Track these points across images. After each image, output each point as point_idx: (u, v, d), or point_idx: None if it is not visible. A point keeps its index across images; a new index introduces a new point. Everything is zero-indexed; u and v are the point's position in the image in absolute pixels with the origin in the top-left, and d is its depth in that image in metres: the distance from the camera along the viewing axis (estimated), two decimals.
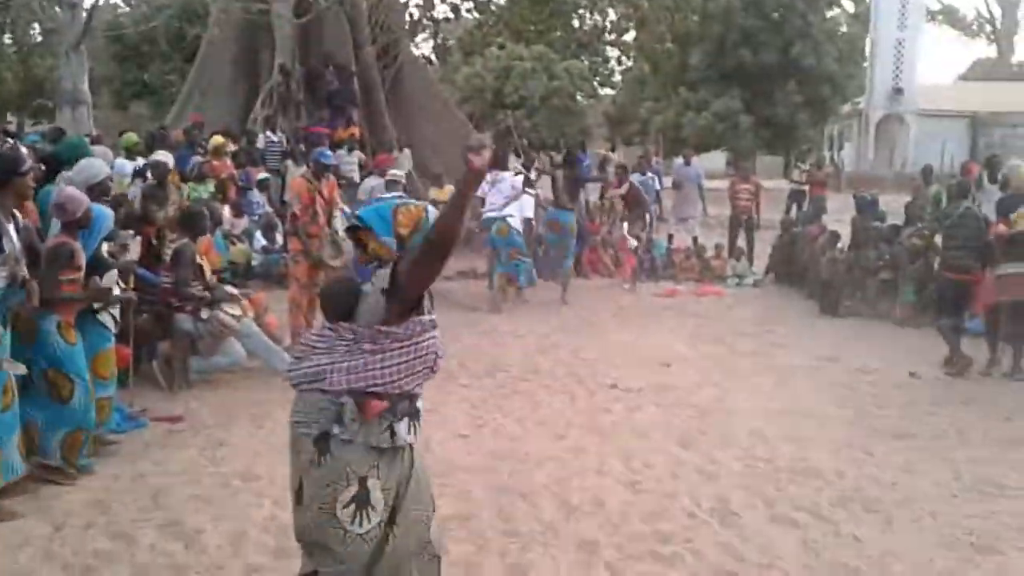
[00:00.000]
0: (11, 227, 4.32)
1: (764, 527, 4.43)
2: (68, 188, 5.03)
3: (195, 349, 6.77)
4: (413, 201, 3.03)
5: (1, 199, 4.26)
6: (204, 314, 6.59)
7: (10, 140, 9.70)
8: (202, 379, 6.79)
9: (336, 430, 2.79)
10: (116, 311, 5.32)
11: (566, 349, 8.34)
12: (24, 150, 6.19)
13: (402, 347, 2.82)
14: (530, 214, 10.88)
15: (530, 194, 10.75)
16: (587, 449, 5.53)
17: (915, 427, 6.16)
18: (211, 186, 10.14)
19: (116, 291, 5.26)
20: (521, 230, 10.29)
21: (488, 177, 11.15)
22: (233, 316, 6.71)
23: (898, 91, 33.57)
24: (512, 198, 10.34)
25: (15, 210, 4.53)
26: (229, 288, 7.12)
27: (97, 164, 5.81)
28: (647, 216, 12.48)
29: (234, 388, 6.76)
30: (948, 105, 35.27)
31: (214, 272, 7.23)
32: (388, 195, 7.49)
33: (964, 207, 7.88)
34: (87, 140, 9.52)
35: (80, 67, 15.16)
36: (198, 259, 6.64)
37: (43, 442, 4.78)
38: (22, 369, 4.44)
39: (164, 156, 9.05)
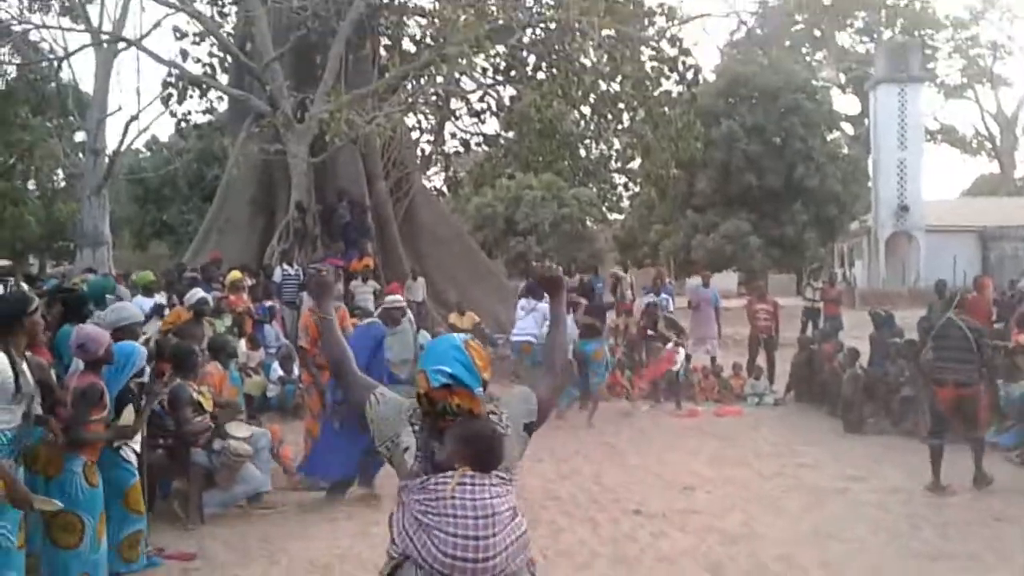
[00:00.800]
0: (24, 366, 4.34)
1: None
2: (88, 327, 5.08)
3: (212, 482, 6.66)
4: (462, 337, 2.77)
5: (14, 339, 4.28)
6: (216, 446, 6.51)
7: (25, 285, 9.88)
8: (219, 514, 6.65)
9: None
10: (137, 446, 5.26)
11: (586, 474, 8.17)
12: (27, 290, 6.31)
13: None
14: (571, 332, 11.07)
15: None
16: None
17: (951, 548, 5.93)
18: (228, 320, 10.22)
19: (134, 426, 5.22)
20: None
21: (526, 304, 11.54)
22: (243, 439, 6.64)
23: (904, 209, 34.00)
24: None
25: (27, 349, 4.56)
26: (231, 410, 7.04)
27: (130, 309, 5.89)
28: (685, 341, 12.59)
29: (249, 523, 6.60)
30: (955, 220, 35.65)
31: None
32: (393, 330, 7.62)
33: (946, 318, 7.67)
34: (113, 280, 9.69)
35: (101, 210, 15.65)
36: (195, 396, 6.56)
37: None
38: (57, 505, 4.35)
39: (202, 293, 9.22)
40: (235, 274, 11.67)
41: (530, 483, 7.68)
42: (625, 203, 37.37)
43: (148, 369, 6.73)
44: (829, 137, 33.04)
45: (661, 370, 12.08)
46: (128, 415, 5.14)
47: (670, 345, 12.30)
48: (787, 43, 48.52)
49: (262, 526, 6.51)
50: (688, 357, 13.42)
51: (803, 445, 9.52)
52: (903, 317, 12.87)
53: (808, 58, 48.80)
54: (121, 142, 15.81)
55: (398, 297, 8.39)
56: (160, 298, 10.89)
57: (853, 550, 5.89)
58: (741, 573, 5.46)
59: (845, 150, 35.53)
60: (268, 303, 12.07)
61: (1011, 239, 34.35)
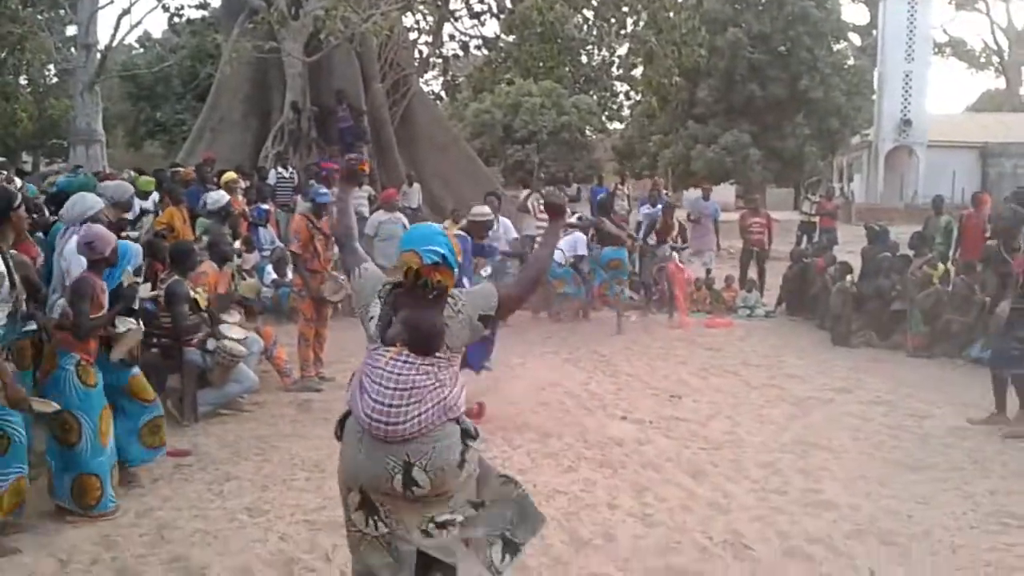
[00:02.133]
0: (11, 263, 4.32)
1: (778, 560, 4.36)
2: (96, 227, 5.01)
3: (206, 381, 6.76)
4: (440, 225, 3.42)
5: (2, 235, 4.26)
6: (210, 345, 6.58)
7: (18, 180, 9.81)
8: (214, 411, 6.77)
9: (473, 443, 3.12)
10: (130, 347, 5.29)
11: (576, 381, 8.28)
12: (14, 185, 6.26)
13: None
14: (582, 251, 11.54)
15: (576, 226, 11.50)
16: (597, 482, 5.47)
17: (932, 458, 6.06)
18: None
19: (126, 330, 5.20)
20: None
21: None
22: (238, 341, 6.71)
23: (907, 123, 33.58)
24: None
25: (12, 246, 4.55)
26: (226, 319, 7.09)
27: (89, 198, 5.82)
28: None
29: (242, 422, 6.73)
30: (957, 136, 35.25)
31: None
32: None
33: None
34: (96, 178, 9.61)
35: (94, 107, 15.36)
36: (192, 294, 6.62)
37: (56, 483, 4.73)
38: (54, 406, 4.40)
39: (227, 197, 9.31)
40: (229, 175, 11.55)
41: (520, 388, 7.80)
42: (625, 112, 36.86)
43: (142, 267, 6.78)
44: (835, 47, 32.40)
45: (683, 287, 12.15)
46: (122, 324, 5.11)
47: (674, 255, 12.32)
48: None
49: (255, 425, 6.64)
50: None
51: (791, 357, 9.63)
52: (899, 233, 12.86)
53: None
54: (113, 37, 15.34)
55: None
56: (149, 202, 10.81)
57: (834, 458, 6.02)
58: (722, 478, 5.59)
59: (851, 61, 34.85)
60: (263, 205, 12.00)
61: (1011, 156, 34.06)
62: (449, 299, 3.09)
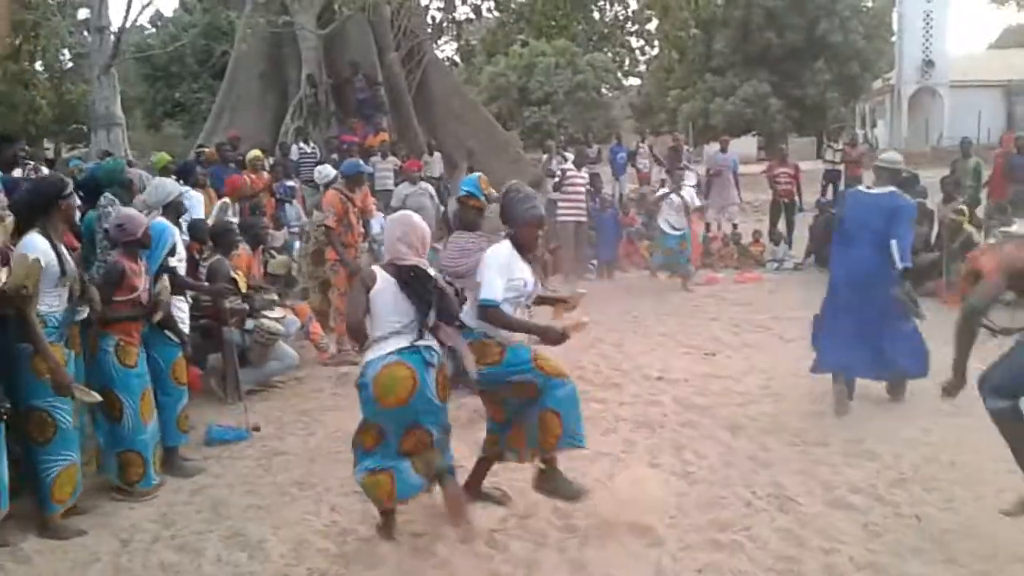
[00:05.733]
0: (63, 248, 4.40)
1: (823, 511, 4.40)
2: (127, 209, 5.09)
3: (246, 360, 6.86)
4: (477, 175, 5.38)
5: (51, 223, 4.33)
6: (249, 325, 6.68)
7: (44, 169, 9.90)
8: (256, 388, 6.88)
9: None
10: (184, 324, 5.41)
11: (608, 343, 8.32)
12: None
13: None
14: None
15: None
16: (637, 442, 5.53)
17: (970, 405, 6.04)
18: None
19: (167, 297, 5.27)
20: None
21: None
22: (276, 320, 6.81)
23: (929, 64, 32.98)
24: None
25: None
26: (266, 297, 7.19)
27: (169, 184, 5.93)
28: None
29: (285, 398, 6.85)
30: (981, 75, 34.58)
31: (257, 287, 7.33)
32: None
33: None
34: (124, 163, 9.67)
35: (112, 90, 15.41)
36: (232, 274, 6.70)
37: (104, 458, 4.88)
38: (96, 397, 4.49)
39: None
40: (255, 153, 11.60)
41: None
42: (642, 68, 36.46)
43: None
44: None
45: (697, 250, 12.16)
46: (164, 285, 5.16)
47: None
48: None
49: (298, 401, 6.75)
50: (708, 225, 13.41)
51: None
52: (926, 177, 12.70)
53: None
54: (125, 18, 15.37)
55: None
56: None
57: (873, 407, 6.03)
58: (761, 432, 5.63)
59: (870, 3, 34.21)
60: (289, 183, 12.03)
61: None
62: (488, 214, 5.11)
